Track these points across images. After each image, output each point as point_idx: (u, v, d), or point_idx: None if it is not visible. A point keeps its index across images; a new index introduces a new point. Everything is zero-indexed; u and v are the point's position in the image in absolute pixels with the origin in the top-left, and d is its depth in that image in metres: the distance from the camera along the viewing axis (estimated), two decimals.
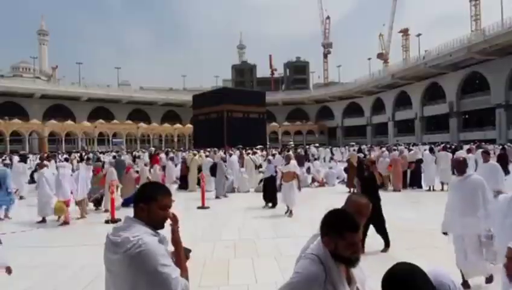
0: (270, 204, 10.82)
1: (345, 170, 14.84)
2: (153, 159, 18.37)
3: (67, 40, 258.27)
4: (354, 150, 24.61)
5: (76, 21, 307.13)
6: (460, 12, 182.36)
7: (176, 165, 17.70)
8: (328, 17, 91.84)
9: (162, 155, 20.58)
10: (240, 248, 6.57)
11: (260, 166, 15.49)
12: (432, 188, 13.28)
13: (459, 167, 4.58)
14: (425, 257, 5.14)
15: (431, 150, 15.24)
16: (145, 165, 14.71)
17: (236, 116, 41.47)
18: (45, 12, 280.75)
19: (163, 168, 16.05)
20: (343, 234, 1.67)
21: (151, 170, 13.71)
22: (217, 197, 12.80)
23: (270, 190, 10.94)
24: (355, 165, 13.37)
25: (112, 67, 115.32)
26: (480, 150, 10.83)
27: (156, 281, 1.58)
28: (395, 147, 22.45)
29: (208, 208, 10.74)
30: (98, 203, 11.01)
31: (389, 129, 61.84)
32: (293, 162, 10.10)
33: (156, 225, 1.76)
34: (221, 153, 21.64)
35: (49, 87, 63.58)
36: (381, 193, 6.99)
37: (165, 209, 1.79)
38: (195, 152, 19.48)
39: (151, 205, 1.76)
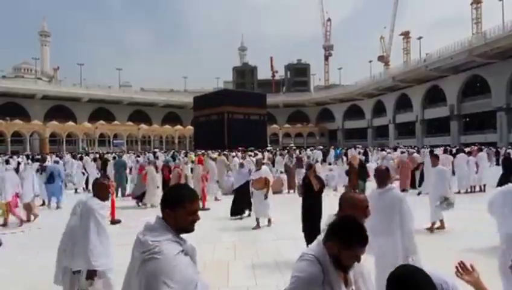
0: (247, 212, 9.54)
1: (346, 172, 14.81)
2: (198, 159, 18.72)
3: (68, 41, 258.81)
4: (359, 152, 24.62)
5: (77, 22, 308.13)
6: (462, 16, 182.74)
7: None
8: (329, 20, 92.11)
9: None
10: (240, 250, 6.56)
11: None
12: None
13: (380, 177, 3.87)
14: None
15: (431, 153, 15.25)
16: (186, 164, 14.81)
17: (237, 118, 41.44)
18: (47, 14, 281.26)
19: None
20: (351, 246, 1.65)
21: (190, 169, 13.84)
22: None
23: (245, 197, 9.29)
24: (357, 167, 13.34)
25: (113, 68, 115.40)
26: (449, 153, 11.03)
27: None
28: (402, 149, 22.60)
29: (208, 209, 10.73)
30: (139, 200, 11.56)
31: (390, 132, 61.81)
32: (265, 167, 9.22)
33: (184, 230, 1.73)
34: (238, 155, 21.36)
35: (51, 88, 63.72)
36: None
37: (194, 214, 1.75)
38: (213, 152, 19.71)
39: (178, 211, 1.71)
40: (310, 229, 5.53)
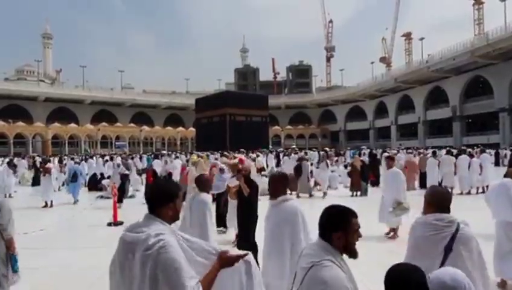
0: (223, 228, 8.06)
1: (348, 174, 14.81)
2: (240, 160, 18.73)
3: (71, 43, 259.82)
4: (364, 153, 24.78)
5: (80, 24, 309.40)
6: (464, 17, 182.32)
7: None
8: (331, 21, 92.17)
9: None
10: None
11: (263, 169, 15.43)
12: None
13: (273, 186, 3.23)
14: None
15: (434, 154, 15.26)
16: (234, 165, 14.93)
17: (239, 120, 41.42)
18: (49, 16, 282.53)
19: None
20: (350, 223, 1.76)
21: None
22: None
23: (227, 206, 7.79)
24: (359, 169, 13.35)
25: (116, 70, 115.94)
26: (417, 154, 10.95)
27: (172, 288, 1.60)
28: (410, 150, 22.85)
29: None
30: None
31: (392, 133, 61.69)
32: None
33: (176, 218, 1.89)
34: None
35: (53, 90, 64.04)
36: None
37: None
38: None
39: (176, 201, 1.87)
40: (241, 237, 5.19)
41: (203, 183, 4.26)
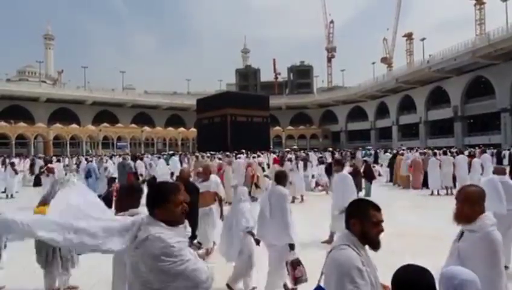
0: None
1: (351, 174, 14.77)
2: (274, 160, 18.83)
3: (72, 44, 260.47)
4: (370, 154, 24.93)
5: (82, 25, 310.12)
6: (465, 17, 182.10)
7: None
8: (332, 21, 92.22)
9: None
10: None
11: (264, 169, 15.41)
12: (437, 193, 13.39)
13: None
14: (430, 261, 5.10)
15: (435, 155, 15.31)
16: (260, 164, 14.94)
17: (240, 120, 41.43)
18: (51, 17, 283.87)
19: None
20: (368, 212, 1.86)
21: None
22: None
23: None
24: (361, 170, 13.34)
25: (117, 71, 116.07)
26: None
27: (181, 277, 1.71)
28: (422, 151, 22.89)
29: None
30: None
31: (393, 133, 61.64)
32: (214, 177, 6.85)
33: (176, 222, 1.84)
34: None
35: (55, 91, 64.25)
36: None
37: (181, 205, 1.87)
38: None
39: (166, 207, 1.84)
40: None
41: (282, 178, 4.77)
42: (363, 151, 30.23)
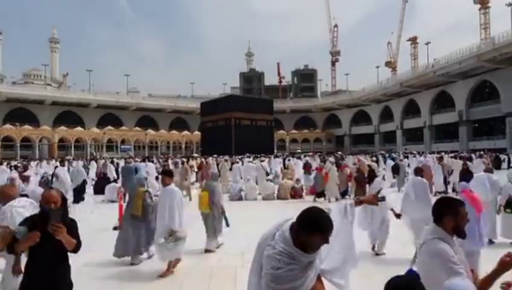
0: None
1: (355, 179, 14.71)
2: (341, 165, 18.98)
3: (78, 47, 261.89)
4: (374, 156, 24.60)
5: (87, 29, 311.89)
6: (470, 21, 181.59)
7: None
8: (336, 25, 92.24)
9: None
10: (248, 257, 6.50)
11: (267, 173, 15.41)
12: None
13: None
14: None
15: (440, 159, 15.24)
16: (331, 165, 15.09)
17: (244, 124, 41.56)
18: (56, 20, 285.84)
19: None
20: (458, 209, 2.18)
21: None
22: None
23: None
24: (366, 174, 13.26)
25: (121, 74, 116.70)
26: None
27: None
28: (438, 155, 22.74)
29: None
30: (318, 196, 13.10)
31: (398, 137, 61.44)
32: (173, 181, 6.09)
33: None
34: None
35: (60, 94, 64.65)
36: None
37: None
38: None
39: None
40: None
41: (418, 172, 6.43)
42: (390, 155, 27.23)
